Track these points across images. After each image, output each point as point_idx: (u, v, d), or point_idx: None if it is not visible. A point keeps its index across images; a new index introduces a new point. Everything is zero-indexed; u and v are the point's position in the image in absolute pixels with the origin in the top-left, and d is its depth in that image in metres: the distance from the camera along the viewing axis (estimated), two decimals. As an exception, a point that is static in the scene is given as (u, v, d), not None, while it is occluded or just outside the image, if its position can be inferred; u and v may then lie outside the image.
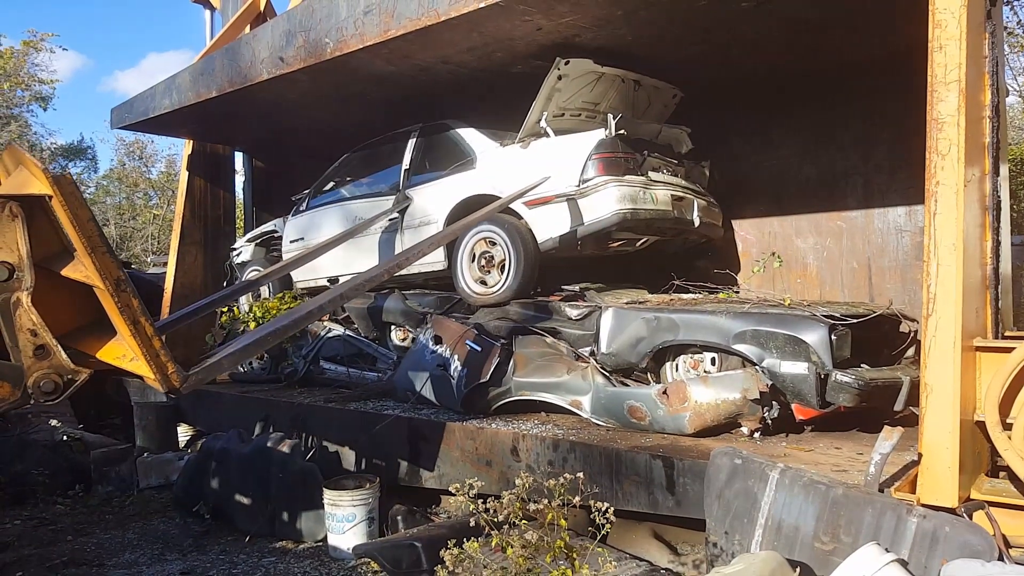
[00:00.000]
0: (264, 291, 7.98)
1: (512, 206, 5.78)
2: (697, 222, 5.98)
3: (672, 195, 5.81)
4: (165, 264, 9.92)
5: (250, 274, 8.22)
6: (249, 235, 8.70)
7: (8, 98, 22.11)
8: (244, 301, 7.99)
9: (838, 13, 4.96)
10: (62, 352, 2.82)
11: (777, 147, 6.59)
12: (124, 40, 62.46)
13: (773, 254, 6.11)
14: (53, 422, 7.05)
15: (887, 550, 2.76)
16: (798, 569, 2.86)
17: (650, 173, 5.77)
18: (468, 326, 5.56)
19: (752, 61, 5.91)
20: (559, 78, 5.50)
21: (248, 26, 9.13)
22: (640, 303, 5.24)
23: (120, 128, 8.86)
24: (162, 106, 7.78)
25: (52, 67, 25.98)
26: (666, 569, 3.91)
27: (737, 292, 5.63)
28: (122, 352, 2.90)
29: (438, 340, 5.63)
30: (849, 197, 6.23)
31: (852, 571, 2.68)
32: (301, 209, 7.82)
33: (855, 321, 4.33)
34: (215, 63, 7.10)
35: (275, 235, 8.22)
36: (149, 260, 20.50)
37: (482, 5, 4.77)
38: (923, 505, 2.92)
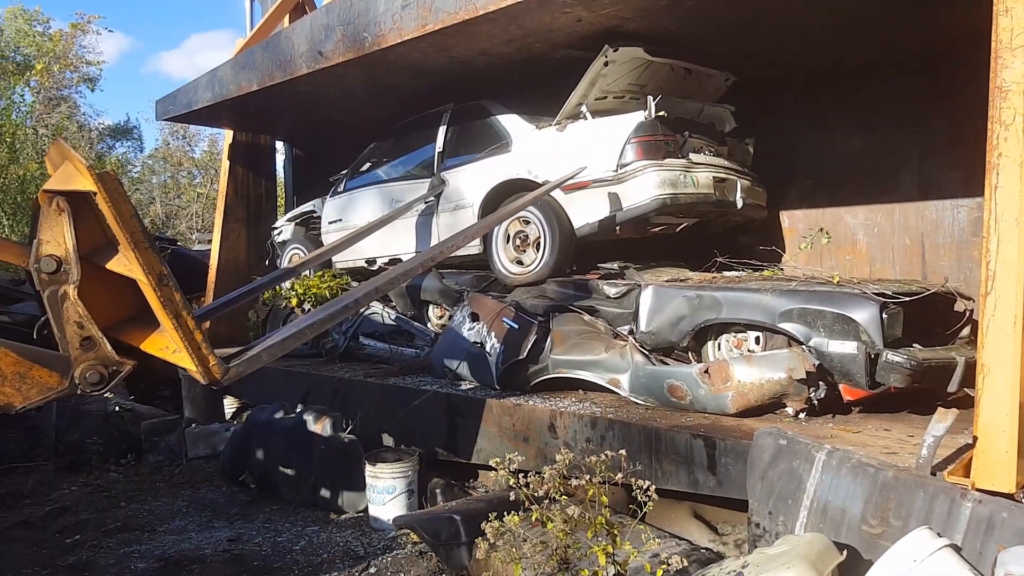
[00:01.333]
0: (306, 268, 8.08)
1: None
2: (740, 204, 5.86)
3: (714, 177, 5.67)
4: (210, 241, 10.12)
5: (291, 252, 8.33)
6: (289, 214, 8.82)
7: (58, 80, 22.58)
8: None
9: (890, 3, 4.80)
10: (107, 344, 2.88)
11: (826, 121, 6.41)
12: (168, 21, 63.36)
13: (821, 230, 5.95)
14: (106, 393, 7.24)
15: (939, 535, 2.68)
16: (844, 552, 2.80)
17: (691, 155, 5.64)
18: (505, 303, 5.55)
19: (801, 48, 5.78)
20: (605, 64, 5.37)
21: (287, 15, 9.29)
22: (681, 281, 5.16)
23: (164, 120, 9.11)
24: (204, 99, 7.94)
25: (99, 49, 26.49)
26: (707, 548, 3.87)
27: (783, 269, 5.51)
28: (165, 344, 2.95)
29: (475, 317, 5.62)
30: (902, 170, 6.04)
31: (902, 556, 2.61)
32: (339, 190, 7.89)
33: (907, 299, 4.20)
34: (255, 57, 7.18)
35: (314, 215, 8.31)
36: (194, 237, 20.94)
37: None
38: (978, 490, 2.83)
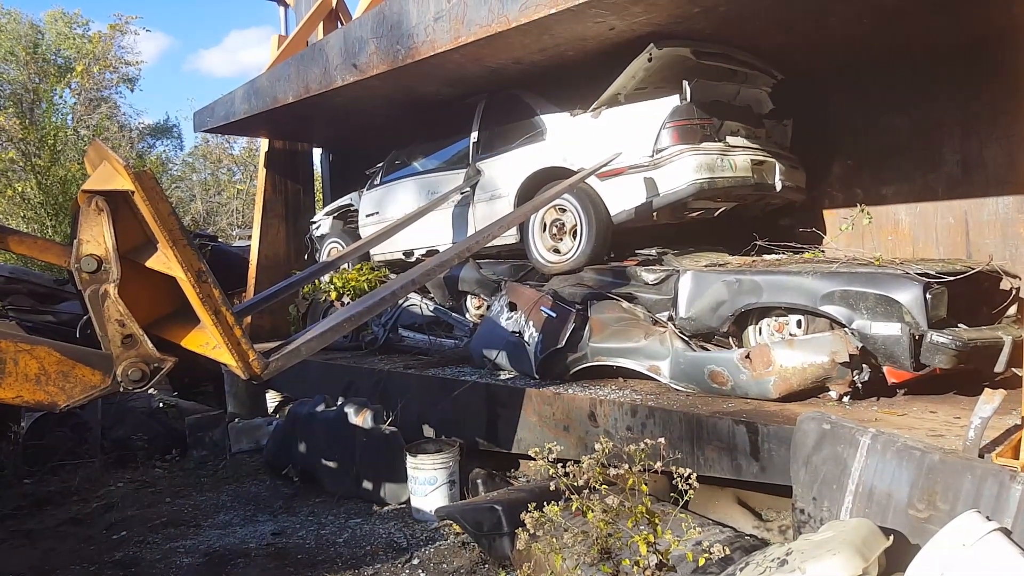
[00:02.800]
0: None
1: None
2: (779, 187, 5.75)
3: (752, 160, 5.58)
4: (250, 237, 10.28)
5: (329, 245, 8.41)
6: (327, 208, 8.91)
7: (98, 81, 22.99)
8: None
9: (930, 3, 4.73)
10: (148, 341, 2.92)
11: (868, 100, 6.25)
12: (208, 20, 64.17)
13: (862, 210, 5.82)
14: (149, 390, 7.40)
15: (988, 519, 2.62)
16: (891, 537, 2.75)
17: (728, 138, 5.55)
18: (543, 292, 5.54)
19: (839, 45, 5.69)
20: (649, 60, 5.27)
21: (321, 22, 9.42)
22: (720, 265, 5.10)
23: (203, 131, 9.31)
24: (241, 111, 8.09)
25: (137, 49, 26.98)
26: (751, 535, 3.83)
27: (823, 251, 5.41)
28: (205, 340, 2.99)
29: (513, 307, 5.62)
30: (945, 148, 5.88)
31: (950, 540, 2.56)
32: (375, 183, 7.93)
33: (951, 278, 4.09)
34: (290, 69, 7.27)
35: (351, 208, 8.39)
36: (235, 233, 21.26)
37: (552, 11, 4.71)
38: (1029, 472, 2.76)
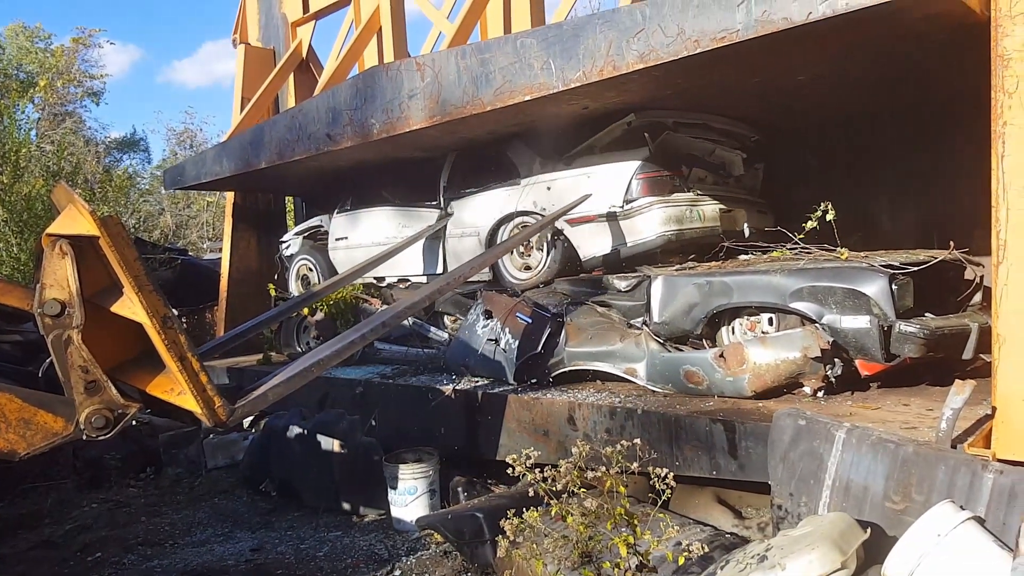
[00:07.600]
0: (314, 278, 8.19)
1: (555, 223, 5.76)
2: (747, 233, 5.83)
3: (720, 209, 5.67)
4: (220, 250, 10.16)
5: (298, 264, 8.42)
6: (297, 229, 8.91)
7: (62, 96, 22.66)
8: (295, 291, 8.33)
9: (897, 72, 4.88)
10: (112, 388, 2.87)
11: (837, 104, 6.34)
12: (179, 31, 63.47)
13: (827, 207, 5.88)
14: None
15: (962, 508, 2.67)
16: (868, 529, 2.79)
17: (698, 184, 5.66)
18: (518, 299, 5.55)
19: (812, 111, 5.88)
20: (628, 126, 5.36)
21: (292, 73, 9.46)
22: (690, 268, 5.14)
23: (174, 189, 9.45)
24: (212, 172, 8.11)
25: (102, 62, 26.60)
26: (731, 533, 3.85)
27: (792, 250, 5.46)
28: (170, 386, 2.95)
29: (488, 315, 5.61)
30: (914, 143, 5.97)
31: (925, 530, 2.60)
32: (346, 207, 7.93)
33: (915, 268, 4.16)
34: (263, 134, 7.26)
35: (321, 229, 8.41)
36: (205, 246, 21.01)
37: (528, 98, 4.80)
38: (999, 460, 2.80)
